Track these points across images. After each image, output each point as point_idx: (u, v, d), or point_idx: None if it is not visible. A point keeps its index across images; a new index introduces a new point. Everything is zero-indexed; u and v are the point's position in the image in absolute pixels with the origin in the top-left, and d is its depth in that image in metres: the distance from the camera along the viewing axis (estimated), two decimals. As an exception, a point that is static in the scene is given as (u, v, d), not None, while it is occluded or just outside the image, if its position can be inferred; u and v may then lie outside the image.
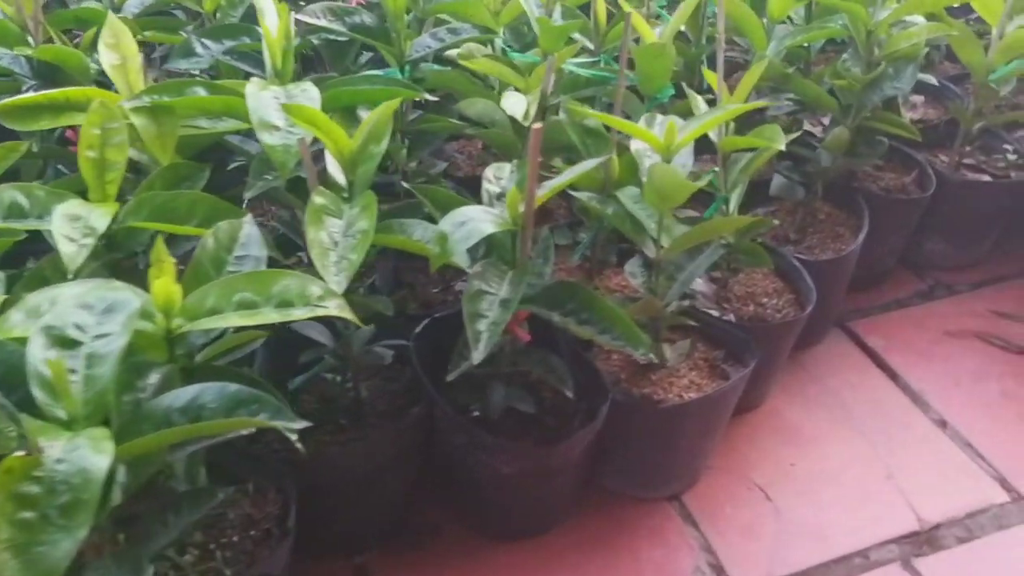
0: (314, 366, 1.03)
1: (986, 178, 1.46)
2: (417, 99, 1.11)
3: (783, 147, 1.00)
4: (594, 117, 0.96)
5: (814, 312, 1.30)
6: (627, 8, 0.98)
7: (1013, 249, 1.52)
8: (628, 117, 1.22)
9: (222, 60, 1.16)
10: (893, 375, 1.33)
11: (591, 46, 1.32)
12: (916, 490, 1.14)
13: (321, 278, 0.79)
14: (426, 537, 1.11)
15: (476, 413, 1.04)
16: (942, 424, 1.24)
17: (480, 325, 0.86)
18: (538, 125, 0.83)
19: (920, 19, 1.36)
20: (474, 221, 0.88)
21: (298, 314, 0.75)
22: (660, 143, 0.94)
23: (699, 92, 1.39)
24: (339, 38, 1.20)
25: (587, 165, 0.93)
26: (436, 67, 1.26)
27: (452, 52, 1.20)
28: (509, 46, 1.34)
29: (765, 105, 1.35)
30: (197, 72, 1.22)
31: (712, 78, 1.10)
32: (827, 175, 1.33)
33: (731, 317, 1.18)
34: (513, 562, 1.07)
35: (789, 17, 1.44)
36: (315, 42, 1.19)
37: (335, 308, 0.77)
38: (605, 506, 1.13)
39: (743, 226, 1.05)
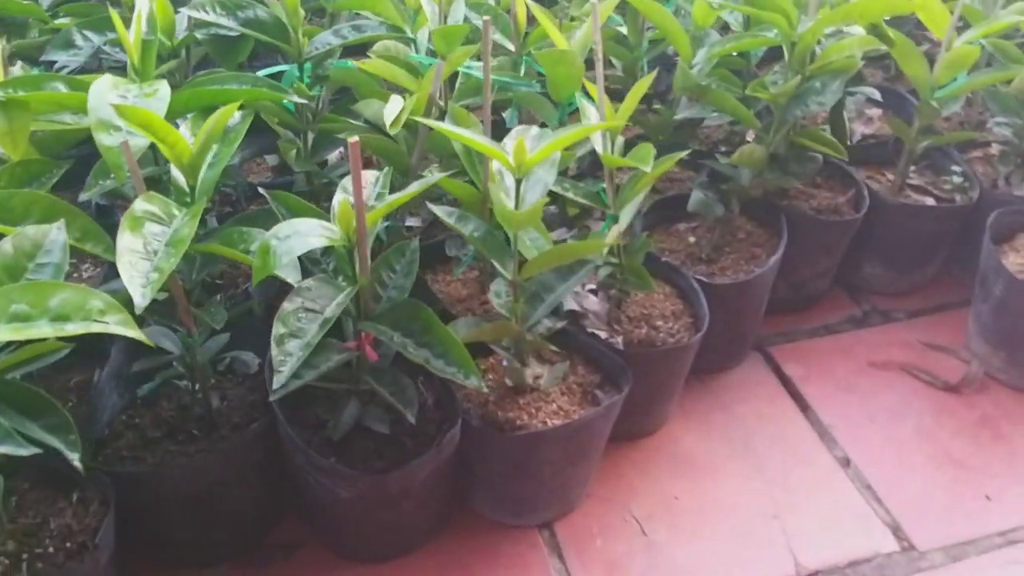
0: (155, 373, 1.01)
1: (930, 201, 1.37)
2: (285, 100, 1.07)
3: (649, 168, 0.95)
4: (444, 132, 0.91)
5: (726, 336, 1.25)
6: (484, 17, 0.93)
7: (958, 277, 1.43)
8: (542, 125, 1.19)
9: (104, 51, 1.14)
10: (805, 406, 1.26)
11: (511, 47, 1.27)
12: (801, 533, 1.08)
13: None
14: (283, 554, 1.07)
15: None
16: (845, 463, 1.17)
17: (291, 346, 0.83)
18: (354, 139, 0.79)
19: (859, 30, 1.28)
20: (300, 235, 0.84)
21: (72, 329, 0.72)
22: (510, 163, 0.89)
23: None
24: (230, 33, 1.17)
25: (422, 183, 0.88)
26: (352, 64, 1.22)
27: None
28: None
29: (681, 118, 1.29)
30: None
31: (593, 90, 1.04)
32: (745, 192, 1.26)
33: (619, 340, 1.13)
34: (364, 584, 1.04)
35: (727, 23, 1.38)
36: (199, 37, 1.15)
37: (116, 324, 0.73)
38: (474, 531, 1.09)
39: (602, 248, 0.99)
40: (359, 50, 1.27)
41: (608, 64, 1.60)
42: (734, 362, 1.33)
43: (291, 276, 0.89)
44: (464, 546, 1.08)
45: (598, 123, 1.04)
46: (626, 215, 1.10)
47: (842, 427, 1.22)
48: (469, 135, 0.89)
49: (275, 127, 1.21)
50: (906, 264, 1.41)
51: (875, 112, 1.57)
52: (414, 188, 0.88)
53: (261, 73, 1.21)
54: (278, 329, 0.82)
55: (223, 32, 1.17)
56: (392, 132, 1.02)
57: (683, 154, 1.05)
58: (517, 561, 1.06)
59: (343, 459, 0.98)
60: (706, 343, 1.25)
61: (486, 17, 0.93)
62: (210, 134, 0.90)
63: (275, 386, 0.80)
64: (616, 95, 1.41)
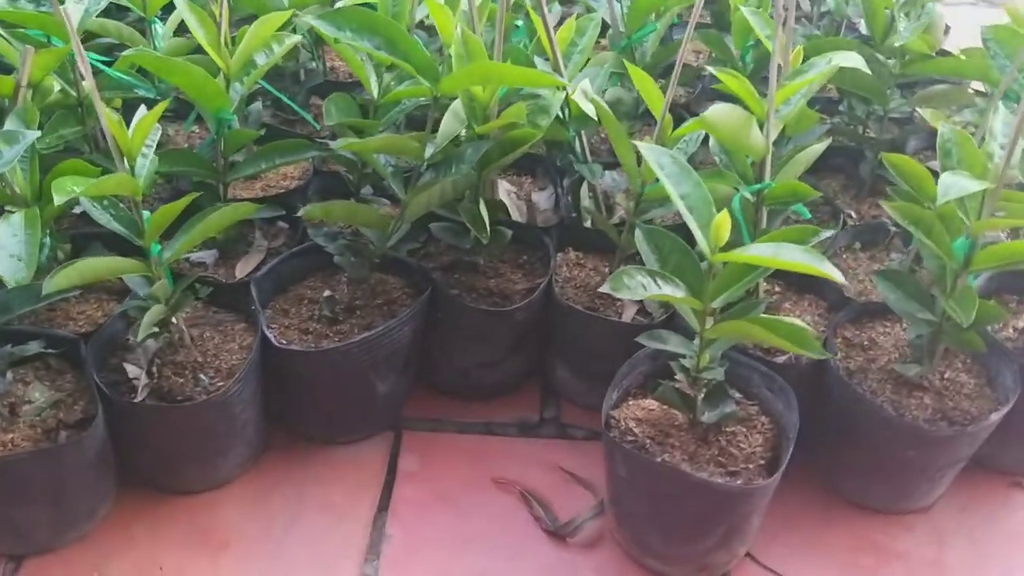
0: None
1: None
2: None
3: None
4: None
5: (326, 407, 1.13)
6: None
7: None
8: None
9: None
10: (383, 508, 1.10)
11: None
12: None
13: None
14: None
15: None
16: (367, 583, 1.02)
17: None
18: None
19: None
20: None
21: None
22: None
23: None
24: None
25: None
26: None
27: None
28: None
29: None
30: None
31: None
32: (372, 253, 1.12)
33: (142, 383, 1.02)
34: None
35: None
36: None
37: None
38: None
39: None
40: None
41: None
42: (353, 437, 1.18)
43: None
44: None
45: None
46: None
47: (400, 543, 1.06)
48: None
49: None
50: (594, 376, 1.20)
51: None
52: None
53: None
54: None
55: None
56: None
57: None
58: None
59: None
60: (315, 411, 1.14)
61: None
62: None
63: None
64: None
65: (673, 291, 0.86)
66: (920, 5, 1.28)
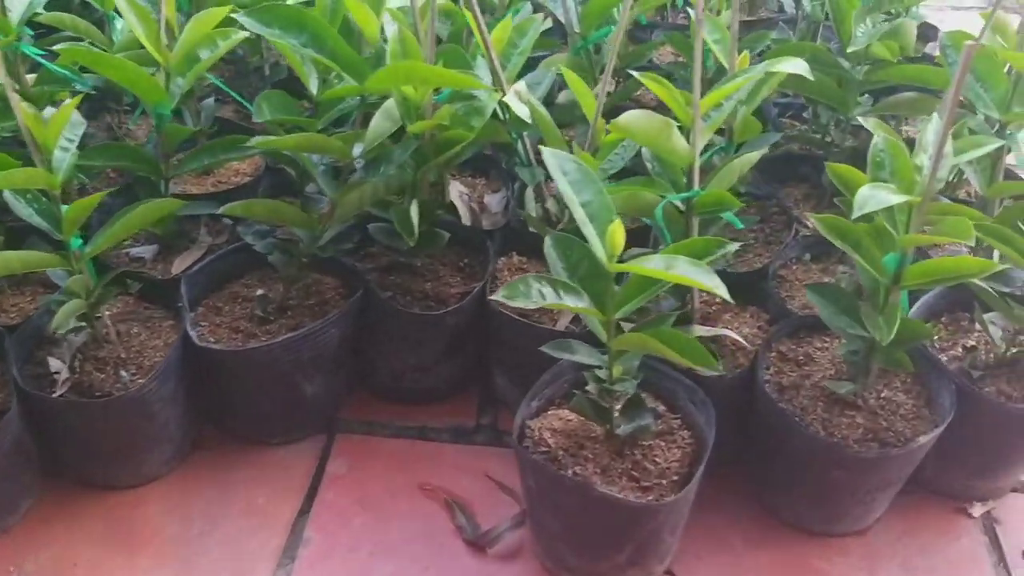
0: None
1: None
2: None
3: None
4: None
5: (258, 407, 1.12)
6: None
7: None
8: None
9: None
10: (306, 511, 1.09)
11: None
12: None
13: None
14: None
15: None
16: (277, 588, 1.00)
17: None
18: None
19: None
20: None
21: None
22: None
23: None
24: None
25: None
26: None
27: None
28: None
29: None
30: None
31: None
32: (301, 252, 1.11)
33: (63, 378, 1.02)
34: None
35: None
36: None
37: None
38: None
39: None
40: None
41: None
42: (283, 438, 1.17)
43: None
44: None
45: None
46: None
47: (317, 547, 1.05)
48: None
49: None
50: (529, 383, 1.16)
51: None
52: None
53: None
54: None
55: None
56: None
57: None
58: None
59: None
60: (243, 411, 1.13)
61: None
62: None
63: None
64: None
65: (575, 301, 0.83)
66: (901, 10, 1.24)
